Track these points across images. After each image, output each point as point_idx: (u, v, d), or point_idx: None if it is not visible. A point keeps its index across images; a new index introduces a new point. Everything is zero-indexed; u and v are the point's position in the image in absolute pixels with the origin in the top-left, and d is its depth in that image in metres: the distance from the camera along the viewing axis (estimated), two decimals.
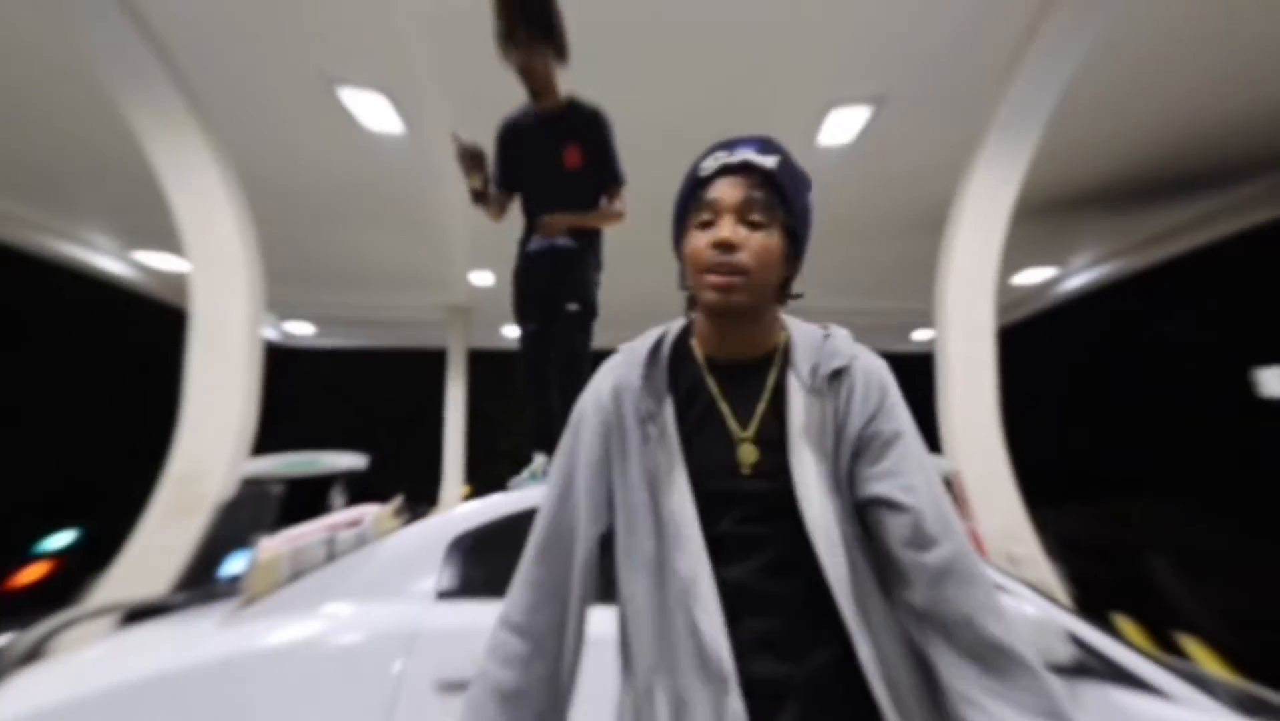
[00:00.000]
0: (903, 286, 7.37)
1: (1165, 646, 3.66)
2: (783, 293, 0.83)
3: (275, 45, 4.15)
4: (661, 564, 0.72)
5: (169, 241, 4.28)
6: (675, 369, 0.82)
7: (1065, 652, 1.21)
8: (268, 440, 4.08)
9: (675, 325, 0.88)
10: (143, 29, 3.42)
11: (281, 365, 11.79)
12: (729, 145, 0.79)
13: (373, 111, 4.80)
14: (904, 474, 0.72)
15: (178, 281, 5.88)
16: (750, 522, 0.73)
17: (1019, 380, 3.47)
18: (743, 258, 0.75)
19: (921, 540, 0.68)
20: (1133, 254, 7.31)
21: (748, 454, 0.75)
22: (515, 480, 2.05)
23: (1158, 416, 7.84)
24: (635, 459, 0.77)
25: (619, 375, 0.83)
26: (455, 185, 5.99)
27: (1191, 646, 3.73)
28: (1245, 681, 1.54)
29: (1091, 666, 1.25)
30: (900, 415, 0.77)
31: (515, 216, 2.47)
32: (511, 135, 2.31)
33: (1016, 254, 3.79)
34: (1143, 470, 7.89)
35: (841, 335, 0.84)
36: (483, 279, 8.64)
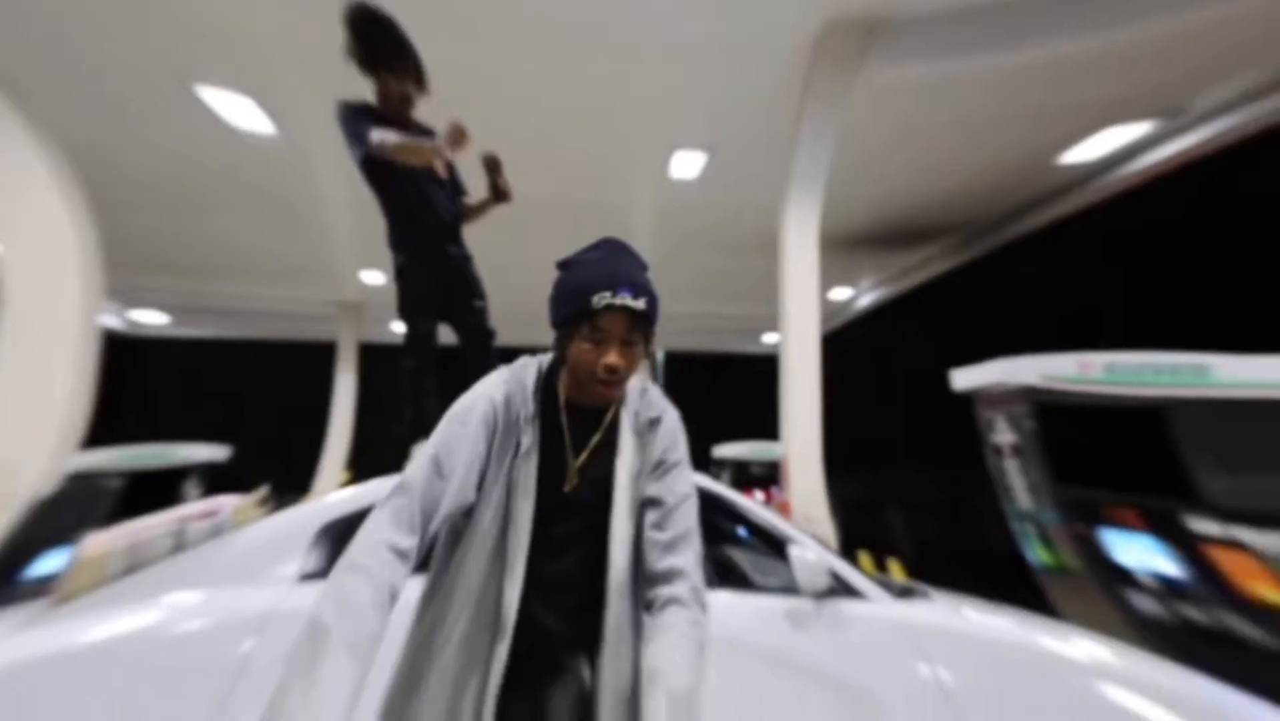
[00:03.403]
0: (754, 295, 7.65)
1: (880, 567, 4.90)
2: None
3: (130, 43, 3.64)
4: (497, 547, 0.83)
5: None
6: (543, 400, 0.92)
7: (825, 583, 1.51)
8: (112, 432, 3.38)
9: (544, 361, 0.97)
10: None
11: (132, 355, 9.85)
12: (611, 285, 0.85)
13: (238, 111, 4.30)
14: (670, 487, 0.89)
15: None
16: (570, 526, 0.87)
17: (827, 377, 3.80)
18: (623, 374, 0.87)
19: (662, 525, 0.86)
20: (891, 283, 8.55)
21: (572, 478, 0.89)
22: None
23: (902, 405, 9.26)
24: (504, 463, 0.86)
25: (510, 390, 0.91)
26: (336, 184, 5.55)
27: (894, 565, 4.91)
28: (910, 580, 2.06)
29: (836, 589, 1.56)
30: (682, 450, 0.94)
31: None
32: (365, 123, 2.05)
33: (827, 275, 4.15)
34: (892, 445, 9.29)
35: (655, 391, 0.99)
36: (373, 277, 8.03)
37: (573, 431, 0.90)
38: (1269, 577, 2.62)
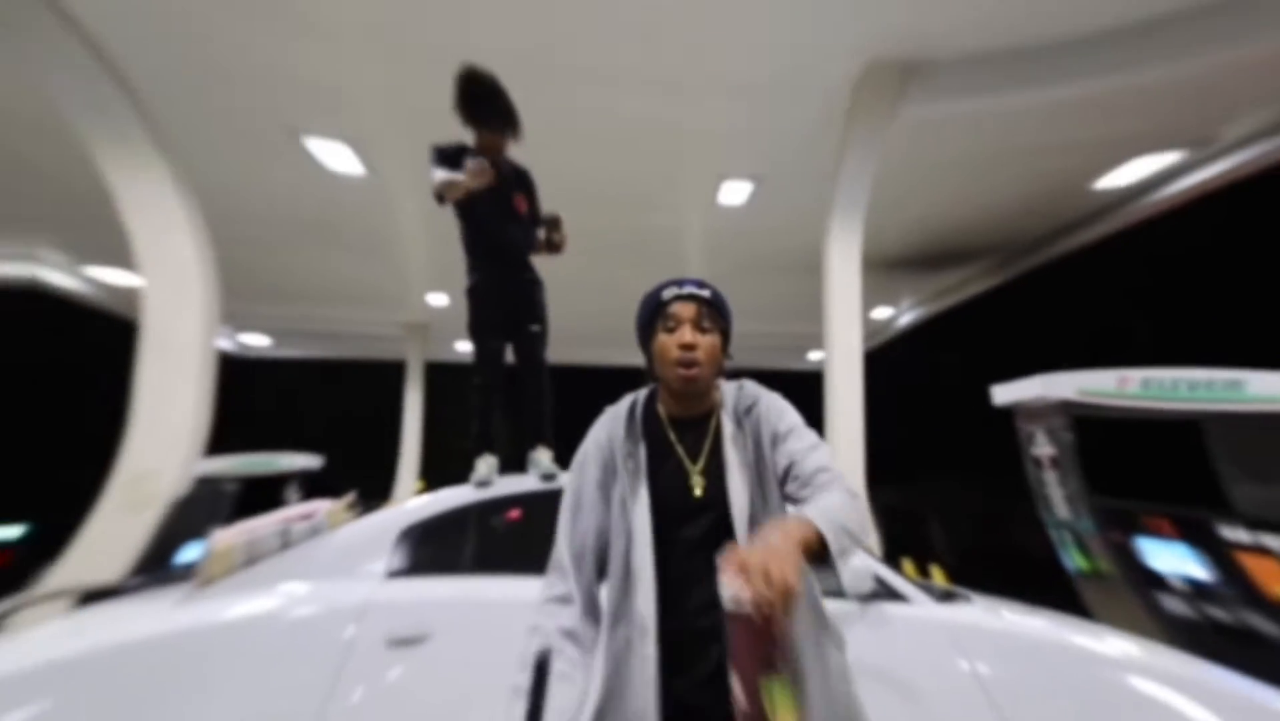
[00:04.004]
0: (798, 315, 7.68)
1: (923, 573, 4.78)
2: (720, 373, 0.99)
3: (251, 103, 4.00)
4: (624, 562, 0.86)
5: (121, 258, 3.81)
6: (646, 424, 0.96)
7: (869, 586, 1.52)
8: (225, 443, 3.67)
9: (642, 393, 1.01)
10: (109, 71, 3.12)
11: (240, 374, 10.65)
12: (678, 283, 0.95)
13: (336, 156, 4.64)
14: (793, 447, 0.90)
15: (129, 295, 5.24)
16: (696, 529, 0.87)
17: (870, 392, 3.76)
18: (699, 354, 0.91)
19: (804, 465, 0.87)
20: (930, 303, 8.29)
21: (698, 483, 0.90)
22: (474, 477, 1.88)
23: (941, 420, 8.84)
24: (618, 486, 0.91)
25: (610, 428, 0.96)
26: (411, 218, 5.90)
27: (936, 571, 4.91)
28: (951, 585, 2.04)
29: (881, 593, 1.56)
30: (789, 417, 0.94)
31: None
32: (455, 165, 2.14)
33: (868, 296, 4.13)
34: (932, 457, 8.87)
35: (751, 384, 1.01)
36: (438, 300, 8.33)
37: (683, 442, 0.93)
38: None
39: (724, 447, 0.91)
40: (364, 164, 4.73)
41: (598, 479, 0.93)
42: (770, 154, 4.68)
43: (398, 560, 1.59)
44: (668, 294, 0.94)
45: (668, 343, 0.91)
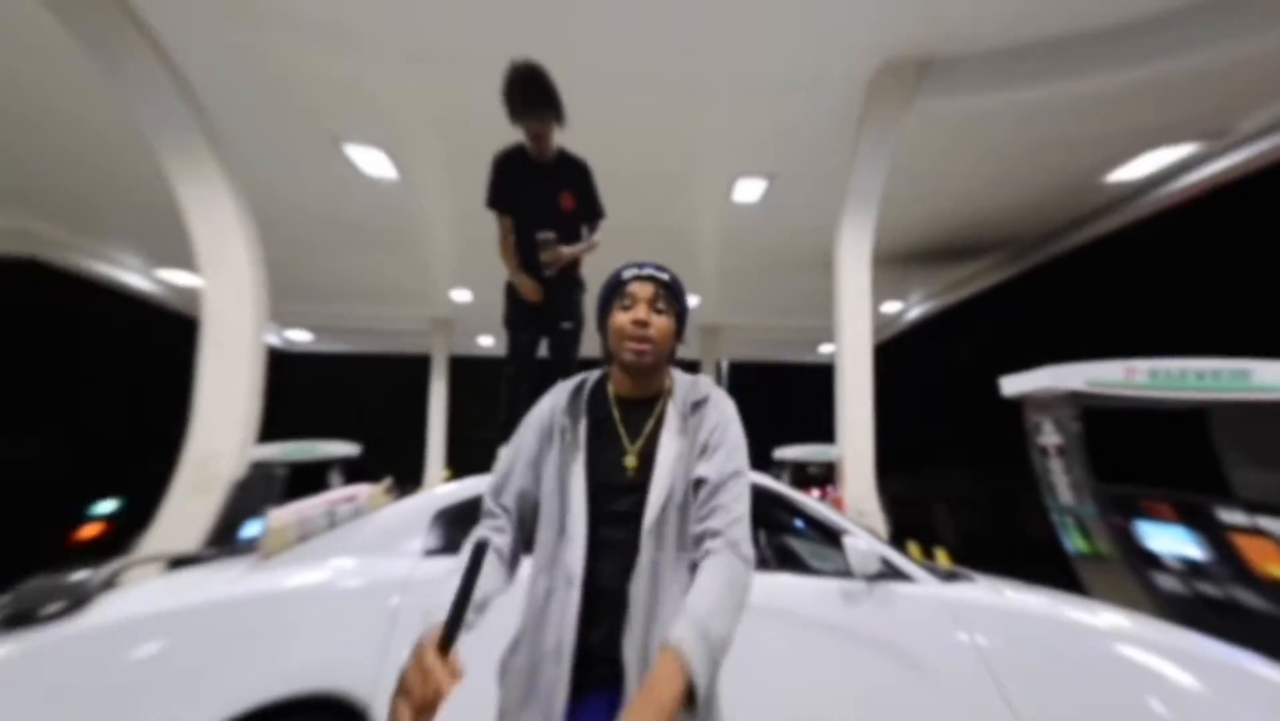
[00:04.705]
0: (810, 309, 7.60)
1: (928, 555, 4.83)
2: (671, 356, 0.98)
3: (298, 112, 4.11)
4: (561, 525, 0.87)
5: (185, 260, 4.01)
6: (594, 401, 0.95)
7: (876, 567, 1.54)
8: (271, 431, 3.83)
9: (596, 373, 1.01)
10: (179, 86, 3.26)
11: (284, 367, 10.99)
12: (638, 265, 0.95)
13: (372, 162, 4.74)
14: (715, 465, 0.88)
15: (192, 295, 5.49)
16: (626, 505, 0.87)
17: (879, 384, 3.76)
18: (651, 332, 0.91)
19: (707, 499, 0.86)
20: (939, 296, 8.14)
21: (630, 463, 0.90)
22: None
23: (948, 410, 8.71)
24: (554, 457, 0.91)
25: (555, 400, 0.97)
26: (439, 219, 6.00)
27: (940, 553, 4.97)
28: (954, 565, 2.06)
29: (886, 573, 1.59)
30: (730, 431, 0.91)
31: (487, 240, 2.32)
32: (510, 169, 2.13)
33: (878, 290, 4.10)
34: (940, 447, 8.75)
35: (705, 379, 0.98)
36: (462, 296, 8.43)
37: (626, 421, 0.93)
38: None
39: (662, 433, 0.90)
40: (397, 169, 4.82)
41: (531, 448, 0.94)
42: (784, 151, 4.64)
43: (433, 540, 1.68)
44: (627, 274, 0.94)
45: (623, 319, 0.91)
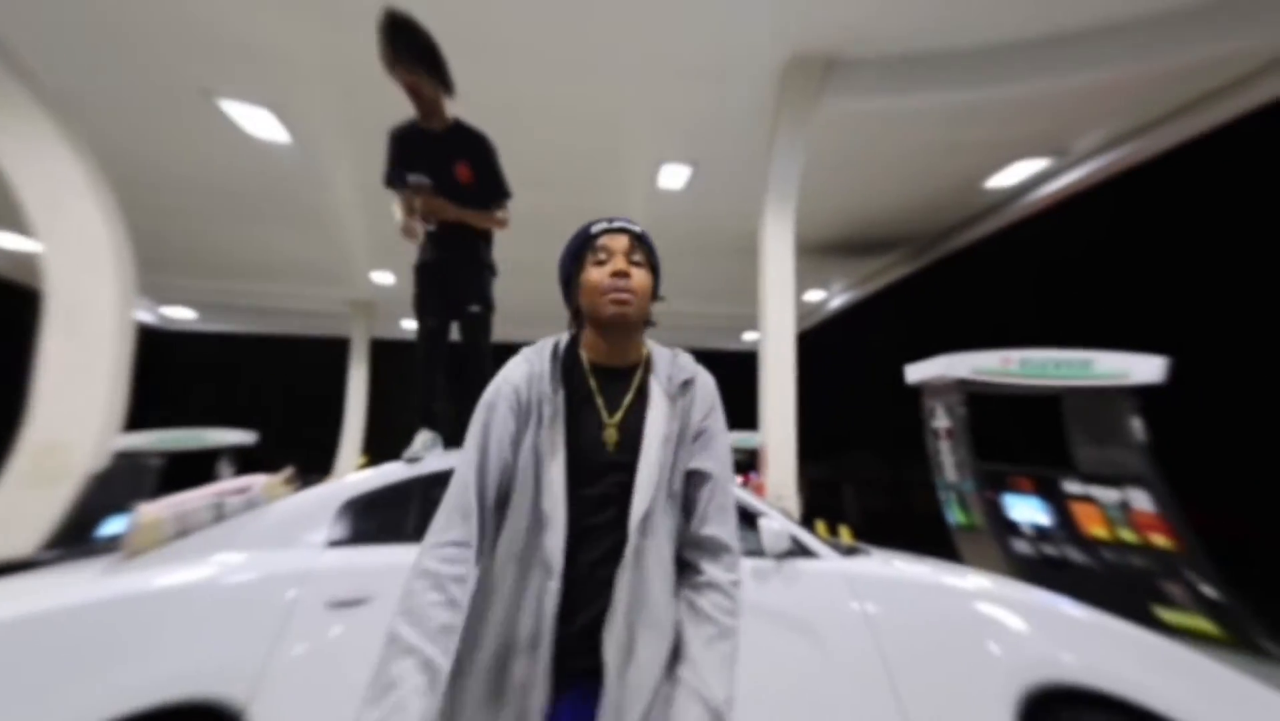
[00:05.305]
0: (735, 296, 7.76)
1: (833, 533, 5.27)
2: (647, 320, 0.89)
3: (159, 62, 3.64)
4: (534, 507, 0.78)
5: (14, 222, 3.38)
6: (566, 370, 0.86)
7: (786, 546, 1.67)
8: (148, 416, 3.38)
9: (564, 336, 0.91)
10: None
11: (164, 347, 9.69)
12: (608, 219, 0.88)
13: (257, 122, 4.27)
14: (715, 456, 0.85)
15: (28, 262, 4.64)
16: (607, 486, 0.80)
17: (800, 372, 3.90)
18: (632, 283, 0.83)
19: (709, 496, 0.83)
20: (857, 287, 8.71)
21: (611, 435, 0.82)
22: (407, 452, 1.84)
23: (860, 397, 9.49)
24: (530, 433, 0.82)
25: (530, 367, 0.85)
26: (347, 190, 5.53)
27: (844, 531, 5.33)
28: (856, 542, 2.26)
29: (795, 551, 1.72)
30: (719, 419, 0.88)
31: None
32: (403, 144, 2.03)
33: (802, 279, 4.28)
34: (852, 431, 9.53)
35: (685, 356, 0.91)
36: (384, 278, 7.97)
37: (604, 393, 0.85)
38: (1103, 521, 3.33)
39: (646, 411, 0.83)
40: (289, 132, 4.39)
41: (509, 424, 0.83)
42: (706, 139, 4.74)
43: (339, 530, 1.57)
44: (596, 228, 0.87)
45: (598, 275, 0.83)
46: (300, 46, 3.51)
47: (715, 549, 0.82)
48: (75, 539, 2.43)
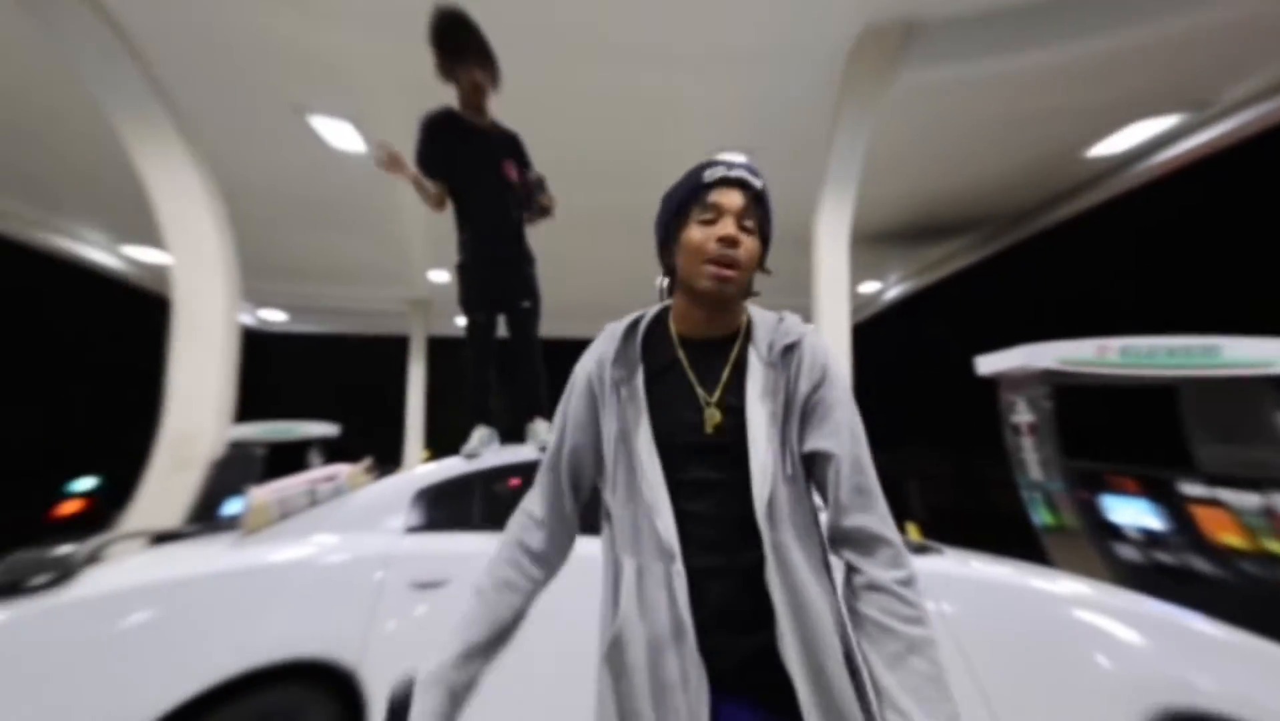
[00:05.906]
0: (788, 288, 7.48)
1: (900, 531, 4.76)
2: (750, 289, 0.80)
3: (258, 82, 3.96)
4: (633, 491, 0.73)
5: (152, 237, 3.87)
6: (652, 344, 0.79)
7: None
8: (250, 411, 3.77)
9: (653, 309, 0.83)
10: (135, 57, 3.14)
11: (261, 347, 10.75)
12: (726, 162, 0.75)
13: (339, 134, 4.59)
14: (834, 432, 0.72)
15: (161, 272, 5.34)
16: (709, 470, 0.72)
17: (857, 364, 3.79)
18: (739, 254, 0.73)
19: (839, 480, 0.71)
20: (917, 277, 8.21)
21: (712, 416, 0.73)
22: (465, 448, 1.93)
23: (921, 389, 8.96)
24: (612, 416, 0.75)
25: (602, 349, 0.79)
26: (412, 195, 5.82)
27: (911, 528, 4.99)
28: (924, 540, 2.11)
29: None
30: (837, 385, 0.74)
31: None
32: (442, 131, 2.00)
33: (856, 270, 4.06)
34: (915, 425, 9.03)
35: (793, 319, 0.80)
36: (439, 276, 8.29)
37: (696, 367, 0.75)
38: (1237, 529, 2.90)
39: (746, 384, 0.73)
40: (366, 141, 4.66)
41: (579, 412, 0.79)
42: (765, 125, 4.57)
43: (414, 518, 1.71)
44: (711, 174, 0.74)
45: (703, 237, 0.72)
46: (377, 61, 3.72)
47: (865, 542, 0.69)
48: (205, 516, 2.81)
